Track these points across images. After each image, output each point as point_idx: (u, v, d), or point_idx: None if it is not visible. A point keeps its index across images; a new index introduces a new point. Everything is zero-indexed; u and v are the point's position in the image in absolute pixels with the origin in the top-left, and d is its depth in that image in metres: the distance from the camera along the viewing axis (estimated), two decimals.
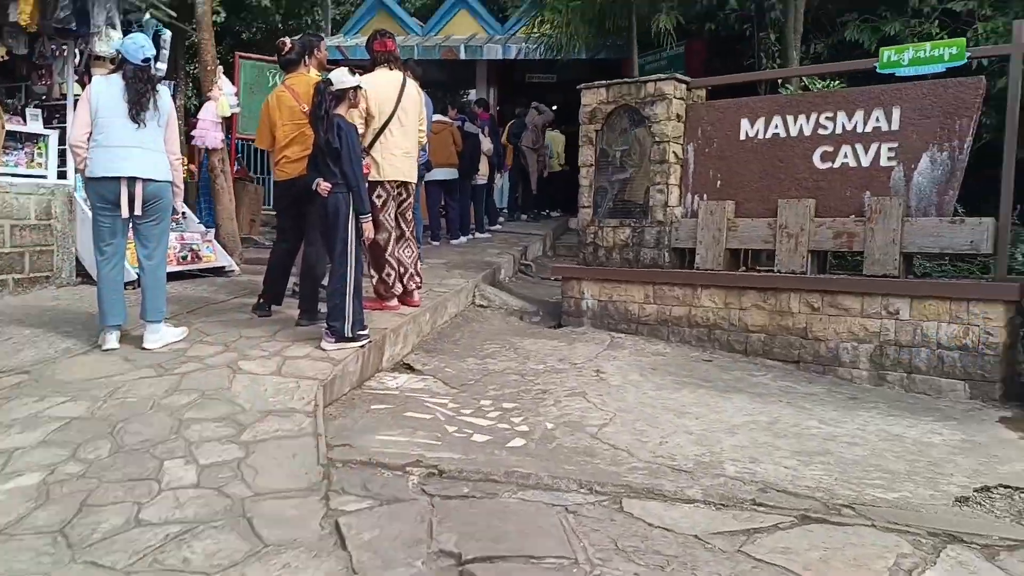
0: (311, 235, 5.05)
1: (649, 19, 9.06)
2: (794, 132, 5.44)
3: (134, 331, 4.63)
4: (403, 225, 5.49)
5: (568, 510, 2.80)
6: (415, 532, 2.65)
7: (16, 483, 3.02)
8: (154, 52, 4.59)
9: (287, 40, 5.38)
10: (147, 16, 8.11)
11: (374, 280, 5.44)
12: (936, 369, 4.60)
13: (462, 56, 13.67)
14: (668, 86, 5.88)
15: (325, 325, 4.55)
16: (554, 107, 13.40)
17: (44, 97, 7.20)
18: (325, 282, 4.88)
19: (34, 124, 6.72)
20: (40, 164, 6.61)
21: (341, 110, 4.52)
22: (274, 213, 6.45)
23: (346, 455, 3.43)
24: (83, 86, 6.34)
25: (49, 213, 6.28)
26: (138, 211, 4.40)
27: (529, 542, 2.54)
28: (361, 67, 5.19)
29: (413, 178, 5.48)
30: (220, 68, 7.82)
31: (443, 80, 14.48)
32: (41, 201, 6.22)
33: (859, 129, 5.13)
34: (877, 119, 5.06)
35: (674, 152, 5.91)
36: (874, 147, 5.06)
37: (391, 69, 5.31)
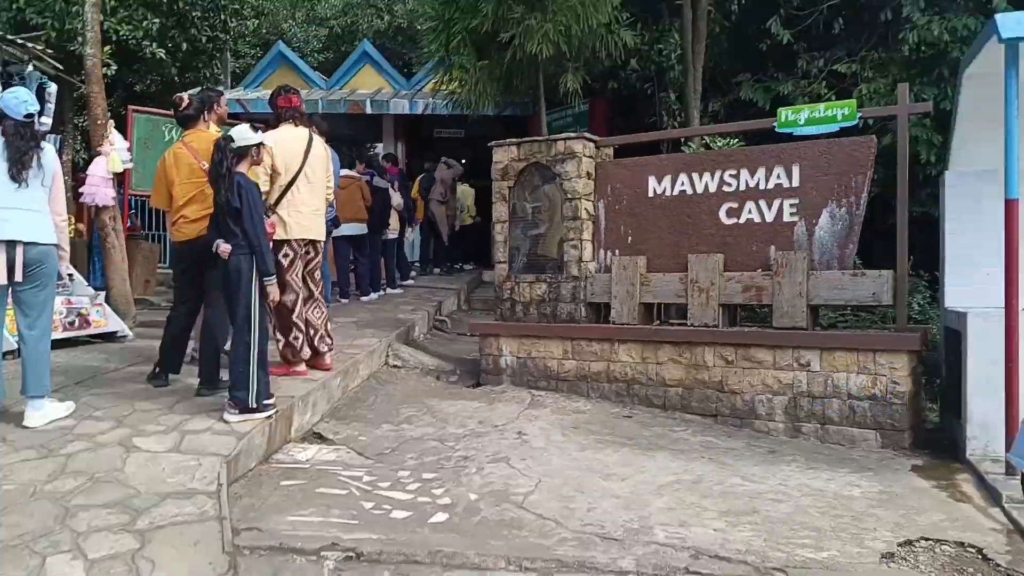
0: (212, 298, 4.77)
1: (555, 78, 9.28)
2: (700, 189, 5.60)
3: (14, 407, 4.22)
4: (311, 285, 5.28)
5: None
6: None
7: None
8: (38, 107, 4.27)
9: (184, 95, 5.15)
10: (30, 68, 7.69)
11: (280, 344, 5.16)
12: (848, 419, 4.72)
13: (368, 110, 13.61)
14: (578, 144, 5.97)
15: (228, 395, 4.27)
16: (463, 161, 13.48)
17: None
18: (227, 347, 4.60)
19: None
20: None
21: (243, 167, 4.33)
22: (170, 272, 6.10)
23: (254, 540, 3.18)
24: None
25: None
26: (19, 277, 4.02)
27: None
28: (263, 121, 5.02)
29: (321, 236, 5.31)
30: (111, 122, 7.43)
31: (349, 134, 14.35)
32: None
33: (762, 186, 5.33)
34: (778, 176, 5.27)
35: (586, 209, 5.98)
36: (777, 203, 5.25)
37: (296, 125, 5.17)
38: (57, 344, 4.88)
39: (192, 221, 4.83)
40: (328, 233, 6.40)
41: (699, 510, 3.52)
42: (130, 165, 7.84)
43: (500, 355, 6.22)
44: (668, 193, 5.72)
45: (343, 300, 9.05)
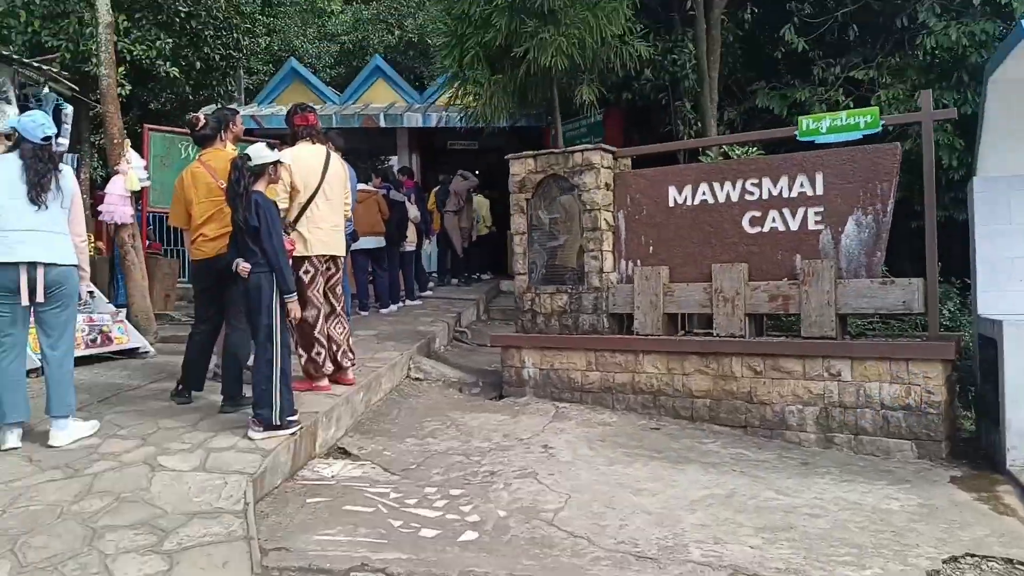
0: (232, 315, 4.76)
1: (570, 90, 9.26)
2: (722, 198, 5.54)
3: (39, 426, 4.21)
4: (333, 300, 5.27)
5: None
6: None
7: None
8: (55, 130, 4.28)
9: (200, 115, 5.16)
10: (46, 90, 7.74)
11: (303, 360, 5.14)
12: (882, 430, 4.63)
13: (382, 124, 13.66)
14: (595, 156, 5.93)
15: (251, 413, 4.24)
16: (477, 172, 13.49)
17: None
18: (250, 362, 4.58)
19: None
20: None
21: (260, 186, 4.33)
22: (190, 286, 6.10)
23: (282, 561, 3.14)
24: None
25: None
26: (40, 298, 4.03)
27: None
28: (278, 137, 5.03)
29: (342, 252, 5.32)
30: (128, 141, 7.47)
31: (364, 148, 14.40)
32: None
33: (785, 194, 5.27)
34: (801, 184, 5.20)
35: (605, 220, 5.93)
36: (801, 211, 5.19)
37: (313, 143, 5.19)
38: (79, 361, 4.89)
39: (211, 239, 4.84)
40: (346, 247, 6.40)
41: (734, 526, 3.45)
42: (147, 183, 7.89)
43: (522, 367, 6.17)
44: (689, 203, 5.67)
45: (363, 313, 9.04)
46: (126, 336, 6.70)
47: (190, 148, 8.86)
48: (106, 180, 8.46)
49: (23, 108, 7.25)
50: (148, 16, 10.53)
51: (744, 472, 4.27)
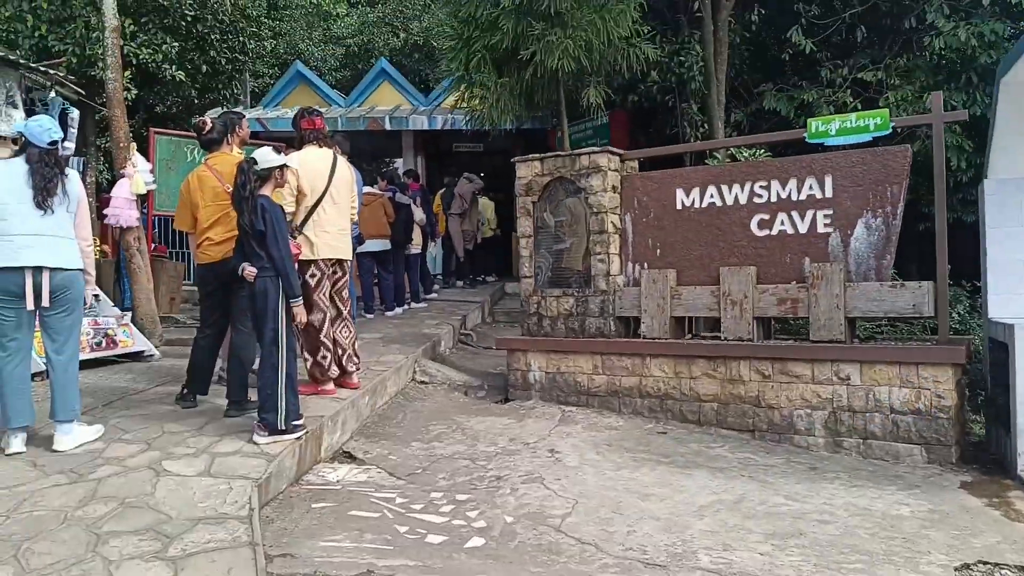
0: (238, 319, 4.75)
1: (576, 92, 9.23)
2: (730, 201, 5.49)
3: (43, 430, 4.20)
4: (339, 304, 5.25)
5: None
6: None
7: None
8: (61, 135, 4.27)
9: (207, 119, 5.15)
10: (52, 94, 7.76)
11: (308, 363, 5.13)
12: (892, 434, 4.58)
13: (387, 127, 13.66)
14: (602, 158, 5.89)
15: (257, 417, 4.22)
16: (482, 174, 13.48)
17: None
18: (255, 366, 4.57)
19: None
20: None
21: (266, 190, 4.32)
22: (195, 289, 6.10)
23: (288, 567, 3.11)
24: None
25: None
26: (45, 303, 4.02)
27: None
28: (283, 141, 5.02)
29: (348, 255, 5.30)
30: (134, 145, 7.48)
31: (369, 150, 14.40)
32: None
33: (794, 197, 5.22)
34: (810, 187, 5.16)
35: (612, 222, 5.89)
36: (810, 214, 5.14)
37: (320, 146, 5.17)
38: (85, 364, 4.88)
39: (217, 243, 4.83)
40: (352, 250, 6.39)
41: (743, 532, 3.41)
42: (153, 186, 7.90)
43: (528, 370, 6.14)
44: (697, 205, 5.63)
45: (368, 315, 9.03)
46: (131, 339, 6.70)
47: (196, 152, 8.89)
48: (112, 183, 8.48)
49: (29, 112, 7.27)
50: (154, 20, 10.56)
51: (752, 477, 4.23)
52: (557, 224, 6.16)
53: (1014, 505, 3.80)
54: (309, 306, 4.85)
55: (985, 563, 3.06)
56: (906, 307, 4.69)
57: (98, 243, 8.91)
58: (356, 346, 5.37)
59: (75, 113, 7.94)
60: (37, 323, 4.16)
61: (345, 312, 5.28)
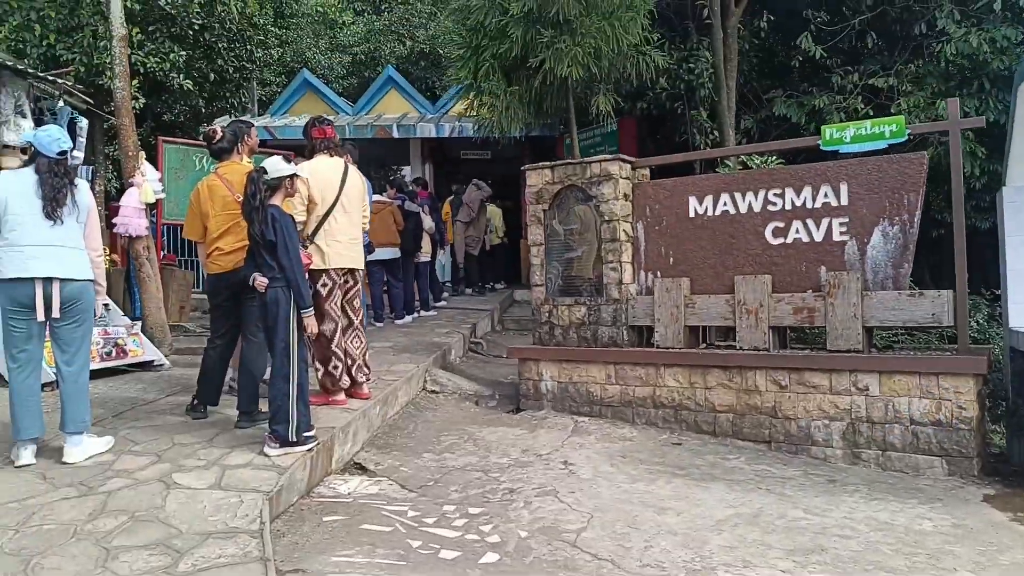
0: (249, 330, 4.71)
1: (585, 100, 9.20)
2: (744, 209, 5.44)
3: (53, 441, 4.17)
4: (350, 314, 5.21)
5: None
6: None
7: None
8: (70, 144, 4.24)
9: (218, 128, 5.13)
10: (60, 103, 7.76)
11: (319, 373, 5.09)
12: (911, 446, 4.51)
13: (395, 135, 13.65)
14: (614, 166, 5.84)
15: (267, 428, 4.18)
16: (489, 181, 13.46)
17: None
18: (266, 377, 4.53)
19: None
20: None
21: (276, 200, 4.28)
22: (204, 297, 6.07)
23: None
24: None
25: None
26: (56, 314, 3.99)
27: None
28: (291, 149, 4.99)
29: (360, 264, 5.26)
30: (143, 153, 7.47)
31: (376, 158, 14.40)
32: None
33: (809, 204, 5.16)
34: (826, 194, 5.10)
35: (624, 230, 5.84)
36: (825, 222, 5.08)
37: (331, 155, 5.14)
38: (95, 374, 4.86)
39: (227, 253, 4.80)
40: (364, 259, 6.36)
41: (763, 548, 3.35)
42: (162, 195, 7.89)
43: (540, 380, 6.08)
44: (710, 213, 5.57)
45: (378, 324, 9.00)
46: (141, 349, 6.68)
47: (204, 160, 8.88)
48: (120, 192, 8.46)
49: (38, 122, 7.27)
50: (162, 29, 10.57)
51: (770, 490, 4.16)
52: (567, 232, 6.11)
53: None
54: (321, 316, 4.82)
55: None
56: (925, 316, 4.62)
57: (107, 252, 8.90)
58: (367, 356, 5.33)
59: (83, 122, 7.94)
60: (47, 334, 4.13)
61: (356, 321, 5.24)
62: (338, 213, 5.02)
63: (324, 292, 4.95)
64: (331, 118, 6.24)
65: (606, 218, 5.84)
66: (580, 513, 3.80)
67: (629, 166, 5.98)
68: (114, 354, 6.42)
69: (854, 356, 4.76)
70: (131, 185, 7.32)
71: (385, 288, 9.28)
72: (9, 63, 7.25)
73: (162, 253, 9.06)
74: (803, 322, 5.06)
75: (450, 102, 14.26)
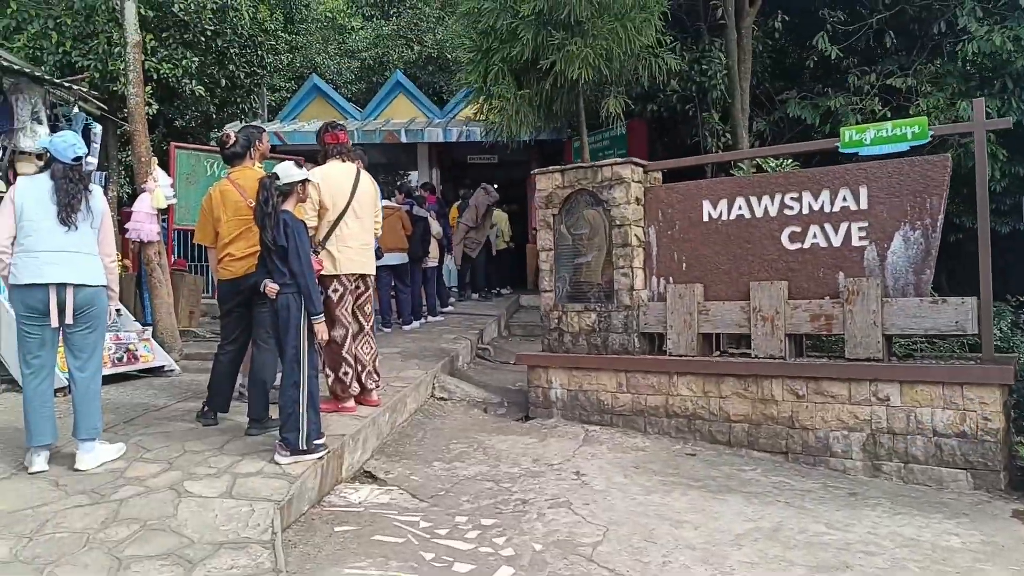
0: (259, 336, 4.67)
1: (595, 103, 9.13)
2: (759, 213, 5.34)
3: (65, 448, 4.16)
4: (361, 319, 5.16)
5: None
6: None
7: None
8: (85, 150, 4.24)
9: (231, 133, 5.09)
10: (75, 109, 7.78)
11: (330, 379, 5.04)
12: (935, 458, 4.40)
13: (403, 140, 13.64)
14: (625, 170, 5.76)
15: (278, 436, 4.13)
16: (495, 185, 13.43)
17: None
18: (277, 383, 4.48)
19: None
20: None
21: (288, 205, 4.25)
22: (214, 302, 6.05)
23: None
24: (7, 183, 5.90)
25: None
26: (69, 320, 3.99)
27: None
28: (301, 154, 4.97)
29: (371, 270, 5.21)
30: (155, 159, 7.47)
31: (384, 162, 14.39)
32: None
33: (827, 208, 5.06)
34: (844, 198, 5.00)
35: (636, 235, 5.76)
36: (844, 227, 4.98)
37: (344, 161, 5.11)
38: (106, 379, 4.84)
39: (238, 259, 4.77)
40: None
41: (785, 564, 3.26)
42: (174, 200, 7.89)
43: (550, 387, 6.01)
44: (724, 218, 5.48)
45: (386, 329, 8.96)
46: (152, 354, 6.67)
47: (216, 165, 8.87)
48: (132, 198, 8.47)
49: (53, 128, 7.28)
50: (175, 35, 10.60)
51: (789, 503, 4.07)
52: (576, 237, 6.03)
53: None
54: (331, 321, 4.78)
55: None
56: (948, 324, 4.51)
57: (119, 257, 8.92)
58: (377, 363, 5.28)
59: (97, 128, 7.95)
60: (60, 340, 4.11)
61: (367, 327, 5.19)
62: (349, 218, 4.98)
63: (335, 298, 4.91)
64: (343, 123, 6.20)
65: (617, 222, 5.76)
66: (595, 526, 3.73)
67: (641, 170, 5.90)
68: (125, 359, 6.41)
69: (874, 365, 4.65)
70: (143, 190, 7.32)
71: (393, 293, 9.23)
72: (27, 70, 7.27)
73: (172, 258, 9.06)
74: (820, 330, 4.96)
75: (458, 106, 14.24)
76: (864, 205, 4.91)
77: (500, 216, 12.87)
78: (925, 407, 4.45)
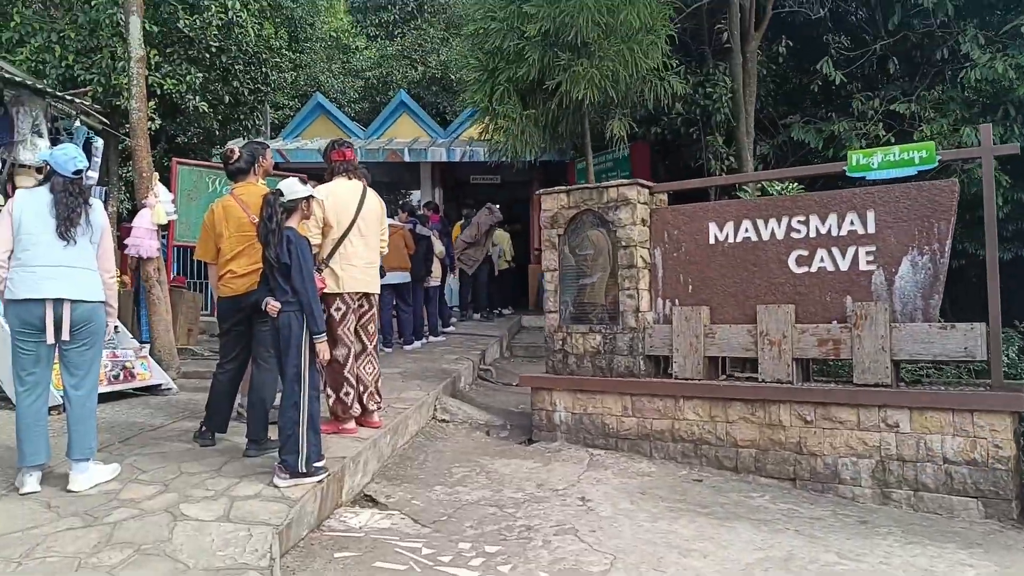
0: (260, 355, 4.59)
1: (600, 124, 9.14)
2: (766, 236, 5.31)
3: (59, 467, 4.07)
4: (364, 339, 5.09)
5: None
6: None
7: None
8: (86, 163, 4.18)
9: (236, 148, 5.06)
10: (77, 123, 7.76)
11: (331, 400, 4.96)
12: (945, 486, 4.33)
13: (406, 159, 13.66)
14: (631, 191, 5.74)
15: (277, 458, 4.05)
16: (498, 205, 13.43)
17: None
18: (276, 403, 4.40)
19: None
20: None
21: (292, 222, 4.20)
22: (213, 320, 5.98)
23: None
24: (6, 197, 5.85)
25: None
26: (66, 336, 3.90)
27: None
28: (304, 172, 4.93)
29: (376, 289, 5.14)
30: (156, 175, 7.43)
31: (387, 181, 14.39)
32: None
33: (834, 232, 5.03)
34: (851, 222, 4.97)
35: (641, 257, 5.72)
36: (851, 251, 4.95)
37: (350, 178, 5.07)
38: (102, 398, 4.75)
39: (240, 276, 4.71)
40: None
41: None
42: (174, 216, 7.85)
43: (554, 410, 5.93)
44: (731, 240, 5.45)
45: (387, 349, 8.88)
46: (149, 372, 6.58)
47: (218, 182, 8.86)
48: (133, 213, 8.43)
49: (54, 141, 7.26)
50: (179, 51, 10.62)
51: (799, 531, 3.99)
52: (581, 258, 5.99)
53: None
54: (333, 340, 4.71)
55: None
56: (957, 350, 4.46)
57: (118, 273, 8.87)
58: (379, 383, 5.20)
59: (99, 142, 7.93)
60: (56, 357, 4.03)
61: (370, 347, 5.12)
62: (354, 237, 4.93)
63: (338, 317, 4.85)
64: (349, 141, 6.18)
65: (623, 244, 5.73)
66: (602, 554, 3.64)
67: (647, 191, 5.88)
68: (122, 377, 6.33)
69: (882, 391, 4.60)
70: (143, 206, 7.27)
71: (394, 313, 9.18)
72: (28, 83, 7.26)
73: (171, 275, 9.01)
74: (828, 354, 4.91)
75: (461, 126, 14.27)
76: (872, 229, 4.88)
77: (502, 236, 12.84)
78: (935, 434, 4.39)
